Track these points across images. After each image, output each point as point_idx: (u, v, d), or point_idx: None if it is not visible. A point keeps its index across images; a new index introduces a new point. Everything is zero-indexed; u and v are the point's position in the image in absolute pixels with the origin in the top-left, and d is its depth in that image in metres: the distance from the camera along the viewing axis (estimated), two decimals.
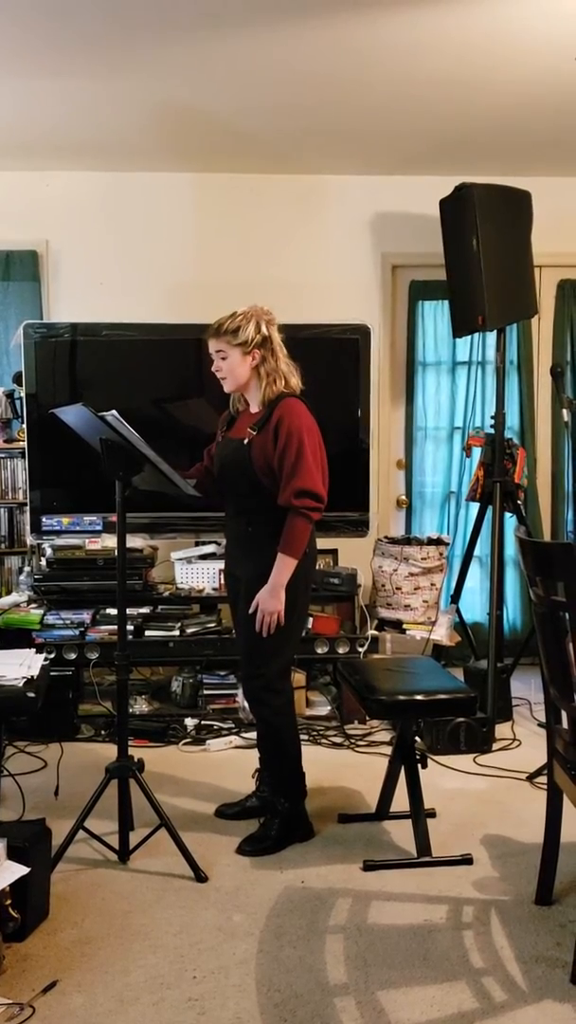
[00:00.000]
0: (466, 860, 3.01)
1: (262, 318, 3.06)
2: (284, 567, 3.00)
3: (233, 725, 4.30)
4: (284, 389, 3.07)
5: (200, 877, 2.88)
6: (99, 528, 4.42)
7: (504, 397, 4.61)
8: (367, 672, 3.26)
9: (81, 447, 3.15)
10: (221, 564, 4.46)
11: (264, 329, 3.05)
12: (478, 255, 4.32)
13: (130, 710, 4.18)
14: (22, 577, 4.64)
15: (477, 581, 5.34)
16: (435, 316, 5.36)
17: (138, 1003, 2.27)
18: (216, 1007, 2.25)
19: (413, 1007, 2.25)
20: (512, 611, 5.42)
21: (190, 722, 4.29)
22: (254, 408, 3.13)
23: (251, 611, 3.04)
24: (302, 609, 3.17)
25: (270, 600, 3.00)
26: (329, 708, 4.49)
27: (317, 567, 4.06)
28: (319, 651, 4.39)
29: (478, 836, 3.22)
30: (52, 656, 4.14)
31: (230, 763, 3.93)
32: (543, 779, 3.32)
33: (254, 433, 3.04)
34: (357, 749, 4.13)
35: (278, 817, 3.14)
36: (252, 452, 3.03)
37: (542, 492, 5.42)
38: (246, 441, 3.05)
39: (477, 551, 4.92)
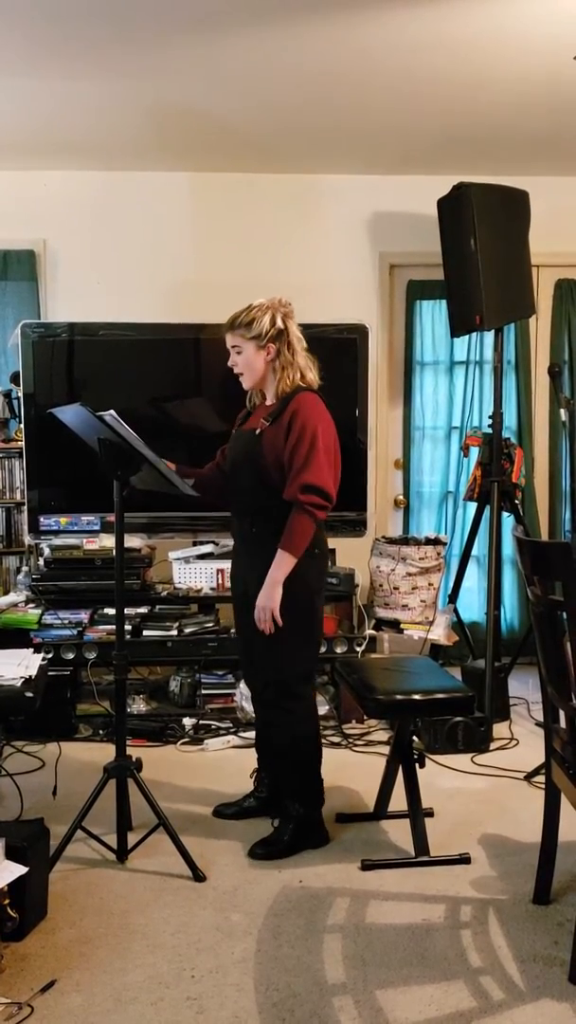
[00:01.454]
0: (464, 859, 3.01)
1: (278, 311, 3.00)
2: (282, 563, 2.92)
3: (231, 725, 4.30)
4: (300, 383, 3.01)
5: (198, 877, 2.88)
6: (97, 528, 4.42)
7: (502, 397, 4.62)
8: (365, 671, 3.26)
9: (79, 447, 3.15)
10: (219, 564, 4.49)
11: (280, 322, 2.99)
12: (476, 254, 4.32)
13: (128, 710, 4.18)
14: (20, 577, 4.64)
15: (475, 581, 5.35)
16: (433, 316, 5.36)
17: (136, 1002, 2.27)
18: (214, 1006, 2.25)
19: (411, 1006, 2.25)
20: (510, 611, 5.42)
21: (188, 722, 4.29)
22: (269, 401, 3.07)
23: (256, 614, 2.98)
24: (313, 615, 3.08)
25: (263, 596, 2.94)
26: (327, 707, 4.49)
27: None
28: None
29: (476, 835, 3.22)
30: (50, 656, 4.14)
31: (228, 762, 3.94)
32: (541, 778, 3.33)
33: (267, 424, 2.97)
34: (355, 748, 4.13)
35: (292, 822, 3.09)
36: (263, 443, 2.96)
37: (540, 491, 5.42)
38: (257, 431, 2.99)
39: (475, 551, 4.92)
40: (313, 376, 3.06)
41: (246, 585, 3.10)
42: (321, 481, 2.90)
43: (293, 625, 2.98)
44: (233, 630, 4.36)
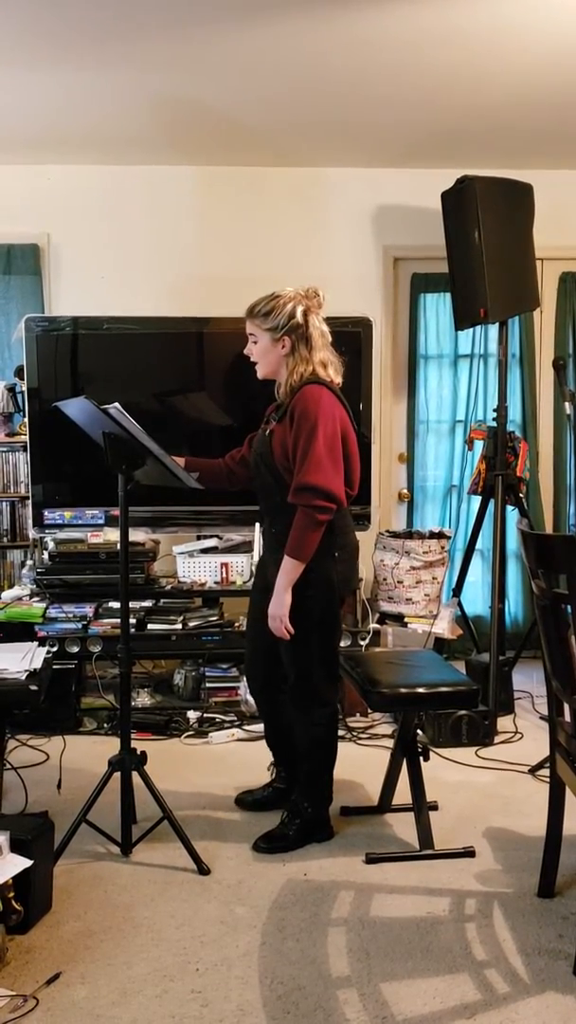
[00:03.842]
0: (468, 853, 3.01)
1: (301, 303, 2.88)
2: (287, 569, 2.85)
3: (235, 718, 4.30)
4: (311, 378, 2.88)
5: (202, 870, 2.89)
6: (101, 522, 4.42)
7: (506, 390, 4.61)
8: (369, 665, 3.26)
9: (83, 441, 3.14)
10: (223, 558, 4.49)
11: (299, 316, 2.87)
12: (480, 248, 4.31)
13: (132, 703, 4.17)
14: (24, 571, 4.64)
15: (479, 574, 5.35)
16: (437, 309, 5.35)
17: (141, 995, 2.27)
18: (219, 999, 2.26)
19: (416, 999, 2.26)
20: (514, 604, 5.42)
21: (192, 715, 4.30)
22: (282, 397, 2.98)
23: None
24: (333, 618, 3.01)
25: (273, 604, 2.90)
26: None
27: None
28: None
29: (480, 829, 3.23)
30: (55, 649, 4.15)
31: (232, 755, 3.94)
32: (545, 772, 3.34)
33: (275, 422, 2.92)
34: (359, 742, 4.13)
35: (299, 818, 3.09)
36: (273, 443, 2.91)
37: (544, 485, 5.41)
38: (268, 432, 2.96)
39: (479, 544, 4.92)
40: (329, 373, 2.93)
41: (266, 582, 3.04)
42: (319, 480, 2.78)
43: (316, 628, 2.95)
44: (237, 624, 4.39)
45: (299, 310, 2.89)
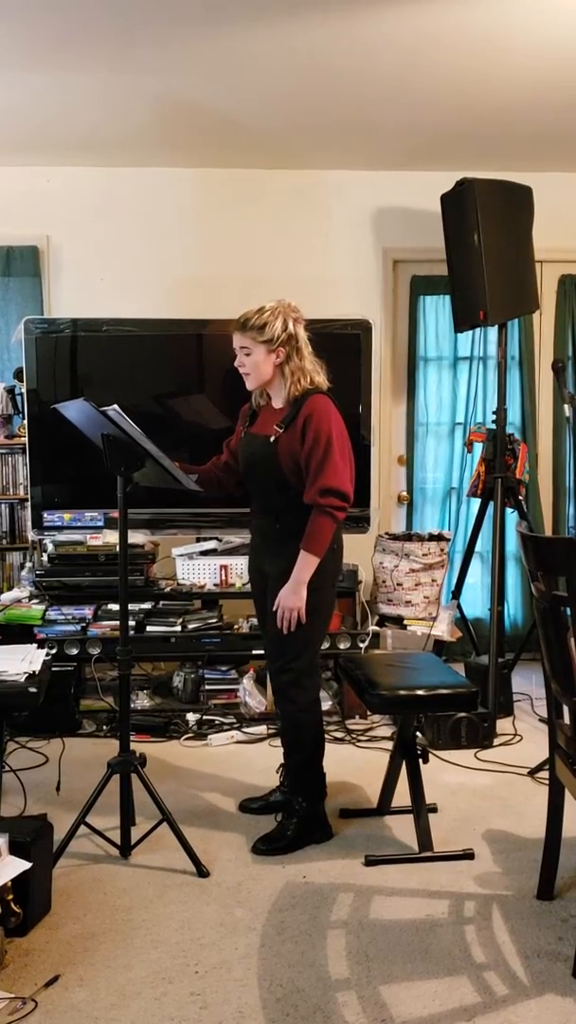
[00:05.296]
0: (467, 855, 3.01)
1: (289, 315, 3.01)
2: (306, 564, 2.97)
3: (235, 720, 4.30)
4: (309, 386, 3.02)
5: (202, 872, 2.89)
6: (100, 524, 4.42)
7: (506, 392, 4.61)
8: (368, 667, 3.26)
9: (82, 443, 3.14)
10: (222, 560, 4.49)
11: (291, 327, 3.00)
12: (479, 250, 4.31)
13: (132, 705, 4.17)
14: (24, 573, 4.64)
15: (478, 577, 5.34)
16: (436, 311, 5.35)
17: (140, 997, 2.27)
18: (218, 1001, 2.25)
19: (415, 1001, 2.26)
20: (513, 607, 5.42)
21: (192, 717, 4.30)
22: (278, 404, 3.09)
23: (274, 608, 3.02)
24: (329, 606, 3.15)
25: (291, 597, 2.97)
26: (330, 703, 4.49)
27: None
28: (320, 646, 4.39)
29: (480, 831, 3.22)
30: (54, 651, 4.15)
31: (232, 758, 3.94)
32: (545, 774, 3.33)
33: (280, 431, 3.00)
34: (358, 744, 4.13)
35: (295, 817, 3.10)
36: (279, 450, 2.99)
37: (543, 487, 5.41)
38: (272, 439, 3.01)
39: (478, 547, 4.91)
40: (322, 379, 3.07)
41: (267, 579, 3.14)
42: (338, 483, 2.94)
43: (311, 614, 3.01)
44: (236, 626, 4.39)
45: (290, 322, 3.01)
